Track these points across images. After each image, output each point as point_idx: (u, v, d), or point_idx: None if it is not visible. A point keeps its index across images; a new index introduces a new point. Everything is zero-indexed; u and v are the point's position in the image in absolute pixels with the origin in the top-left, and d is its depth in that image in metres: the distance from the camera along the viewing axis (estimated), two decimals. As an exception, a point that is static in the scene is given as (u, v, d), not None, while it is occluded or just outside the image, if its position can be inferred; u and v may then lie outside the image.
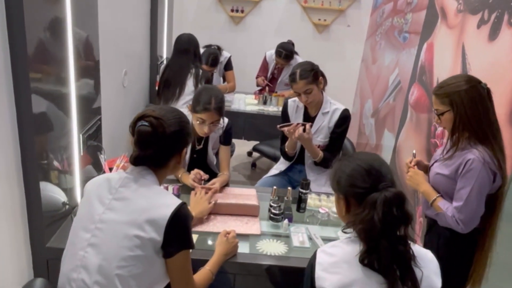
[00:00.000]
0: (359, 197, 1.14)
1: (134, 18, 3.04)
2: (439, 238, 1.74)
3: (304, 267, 1.25)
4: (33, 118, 1.47)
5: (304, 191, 2.02)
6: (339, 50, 5.11)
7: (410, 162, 1.86)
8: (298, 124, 2.19)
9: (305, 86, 2.21)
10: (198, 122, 2.02)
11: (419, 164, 1.88)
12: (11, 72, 1.39)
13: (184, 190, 2.07)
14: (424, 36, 2.76)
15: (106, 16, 2.22)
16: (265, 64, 4.08)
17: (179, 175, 2.14)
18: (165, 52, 3.96)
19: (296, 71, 2.23)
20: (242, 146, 4.21)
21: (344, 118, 2.34)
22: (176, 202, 1.24)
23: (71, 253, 1.26)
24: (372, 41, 4.11)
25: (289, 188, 2.02)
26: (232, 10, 4.98)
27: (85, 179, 1.40)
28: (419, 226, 2.49)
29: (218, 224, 1.87)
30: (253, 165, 4.25)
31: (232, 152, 3.39)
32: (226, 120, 2.22)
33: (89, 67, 1.96)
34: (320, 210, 1.99)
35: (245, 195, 2.06)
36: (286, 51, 3.77)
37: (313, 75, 2.22)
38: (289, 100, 2.46)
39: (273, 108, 3.68)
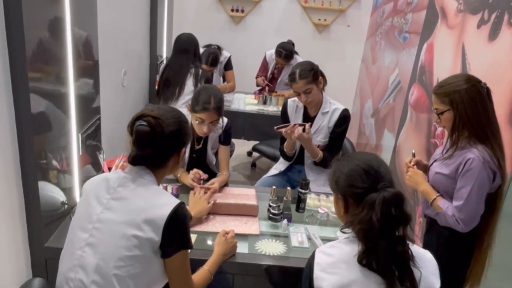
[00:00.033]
0: (358, 197, 1.13)
1: (134, 17, 3.03)
2: (439, 237, 1.73)
3: (303, 267, 1.24)
4: (32, 117, 1.47)
5: (303, 191, 2.02)
6: (339, 50, 5.11)
7: (410, 162, 1.87)
8: (295, 125, 2.19)
9: (304, 85, 2.21)
10: (197, 121, 2.02)
11: (418, 164, 1.88)
12: (10, 71, 1.39)
13: (183, 190, 2.07)
14: (424, 36, 2.76)
15: (106, 15, 2.22)
16: (265, 64, 4.08)
17: (178, 175, 2.14)
18: (164, 51, 3.96)
19: (296, 70, 2.23)
20: (242, 146, 4.21)
21: (344, 118, 2.34)
22: (174, 202, 1.24)
23: (69, 253, 1.26)
24: (372, 41, 4.11)
25: (288, 188, 2.01)
26: (232, 10, 4.98)
27: (84, 179, 1.40)
28: (418, 227, 2.48)
29: (217, 224, 1.87)
30: (253, 165, 4.25)
31: (231, 152, 3.39)
32: (225, 119, 2.22)
33: (88, 67, 1.96)
34: (319, 210, 1.99)
35: (244, 195, 2.06)
36: (286, 51, 3.77)
37: (313, 74, 2.22)
38: (289, 100, 2.46)
39: (273, 108, 3.68)
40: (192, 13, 4.98)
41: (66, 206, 1.79)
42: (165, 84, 3.11)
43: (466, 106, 1.57)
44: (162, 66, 3.31)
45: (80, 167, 1.88)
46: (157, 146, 1.26)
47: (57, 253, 1.33)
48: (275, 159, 3.13)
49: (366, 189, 1.12)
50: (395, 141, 3.09)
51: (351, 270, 1.11)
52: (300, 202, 2.04)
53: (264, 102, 3.76)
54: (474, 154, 1.56)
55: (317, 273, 1.15)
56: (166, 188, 2.04)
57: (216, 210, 1.93)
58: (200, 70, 3.14)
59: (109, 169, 1.93)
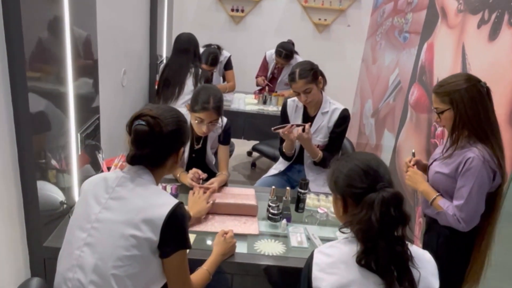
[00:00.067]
0: (357, 197, 1.13)
1: (134, 17, 3.03)
2: (439, 237, 1.73)
3: (302, 268, 1.24)
4: (31, 117, 1.46)
5: (302, 191, 2.01)
6: (339, 50, 5.10)
7: (409, 162, 1.87)
8: (292, 125, 2.18)
9: (304, 85, 2.21)
10: (196, 121, 2.02)
11: (418, 164, 1.88)
12: (8, 70, 1.39)
13: (182, 189, 2.07)
14: (424, 36, 2.75)
15: (105, 14, 2.22)
16: (265, 64, 4.08)
17: (178, 175, 2.14)
18: (164, 51, 3.96)
19: (296, 70, 2.22)
20: (242, 146, 4.21)
21: (344, 118, 2.33)
22: (173, 201, 1.24)
23: (67, 253, 1.26)
24: (372, 41, 4.10)
25: (287, 188, 2.01)
26: (232, 10, 4.98)
27: (83, 178, 1.40)
28: (418, 227, 2.48)
29: (216, 224, 1.86)
30: (253, 164, 4.24)
31: (231, 151, 3.39)
32: (224, 119, 2.21)
33: (88, 66, 1.96)
34: (319, 210, 1.99)
35: (243, 195, 2.06)
36: (286, 51, 3.77)
37: (313, 74, 2.22)
38: (289, 100, 2.46)
39: (273, 108, 3.68)
40: (192, 12, 4.97)
41: (65, 205, 1.79)
42: (164, 83, 3.11)
43: (466, 105, 1.58)
44: (162, 66, 3.30)
45: (79, 167, 1.87)
46: (156, 146, 1.26)
47: (55, 252, 1.33)
48: (275, 159, 3.13)
49: (365, 189, 1.12)
50: (395, 141, 3.09)
51: (350, 270, 1.11)
52: (299, 202, 2.03)
53: (264, 102, 3.75)
54: (474, 153, 1.56)
55: (315, 273, 1.15)
56: (165, 188, 2.04)
57: (215, 210, 1.93)
58: (200, 70, 3.14)
59: (108, 168, 1.93)
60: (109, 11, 2.33)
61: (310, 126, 2.25)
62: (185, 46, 3.16)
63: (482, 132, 1.58)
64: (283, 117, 2.43)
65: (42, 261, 1.65)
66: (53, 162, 1.68)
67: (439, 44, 2.54)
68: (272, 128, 2.21)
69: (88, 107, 1.99)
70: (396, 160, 3.07)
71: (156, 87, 3.28)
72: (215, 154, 2.34)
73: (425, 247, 1.83)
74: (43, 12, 1.52)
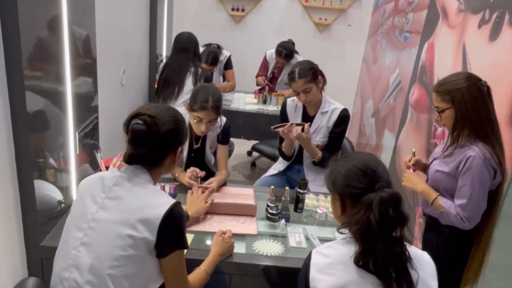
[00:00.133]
0: (355, 198, 1.12)
1: (133, 15, 3.02)
2: (439, 236, 1.73)
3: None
4: (28, 116, 1.46)
5: (301, 191, 2.01)
6: (340, 50, 5.09)
7: (409, 161, 1.87)
8: (292, 124, 2.17)
9: (304, 85, 2.20)
10: (195, 120, 2.01)
11: (417, 163, 1.89)
12: (5, 69, 1.38)
13: (181, 189, 2.06)
14: (425, 36, 2.74)
15: (104, 13, 2.21)
16: (265, 63, 4.07)
17: (176, 174, 2.13)
18: (164, 50, 3.95)
19: (295, 70, 2.21)
20: (242, 146, 4.20)
21: (343, 118, 2.32)
22: (170, 201, 1.23)
23: (64, 252, 1.25)
24: (373, 41, 4.09)
25: (286, 188, 2.00)
26: (233, 9, 4.97)
27: (82, 178, 1.39)
28: (418, 227, 2.47)
29: (215, 224, 1.86)
30: (253, 164, 4.24)
31: (231, 151, 3.38)
32: (224, 119, 2.20)
33: (86, 65, 1.95)
34: (318, 210, 1.98)
35: (242, 194, 2.05)
36: (286, 51, 3.76)
37: (312, 74, 2.21)
38: (288, 100, 2.45)
39: (273, 108, 3.67)
40: (192, 12, 4.97)
41: (63, 205, 1.79)
42: (164, 83, 3.10)
43: (467, 104, 1.58)
44: (162, 65, 3.30)
45: (77, 166, 1.87)
46: (153, 145, 1.25)
47: (53, 252, 1.32)
48: (274, 159, 3.12)
49: (363, 189, 1.11)
50: (395, 141, 3.08)
51: (348, 271, 1.10)
52: (298, 202, 2.02)
53: (264, 102, 3.75)
54: (475, 152, 1.56)
55: (313, 274, 1.14)
56: (163, 188, 2.03)
57: (213, 210, 1.92)
58: (200, 69, 3.13)
59: (107, 168, 1.92)
60: (108, 10, 2.32)
61: (310, 126, 2.24)
62: (185, 45, 3.15)
63: (483, 130, 1.59)
64: (283, 117, 2.42)
65: (40, 260, 1.64)
66: (51, 161, 1.67)
67: (439, 44, 2.53)
68: (272, 127, 2.20)
69: (87, 106, 1.99)
70: (396, 160, 3.06)
71: (156, 86, 3.27)
72: (214, 153, 2.33)
73: (424, 246, 1.83)
74: (41, 11, 1.52)
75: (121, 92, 2.78)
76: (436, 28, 2.59)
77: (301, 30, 4.97)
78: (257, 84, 4.11)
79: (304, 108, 2.38)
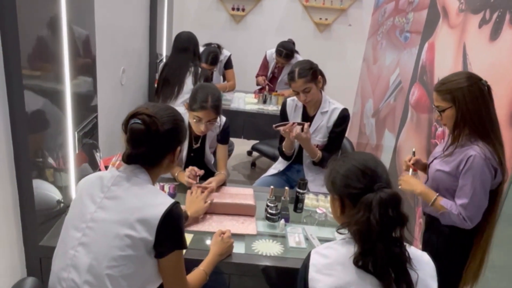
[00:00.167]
0: (354, 198, 1.12)
1: (133, 15, 3.02)
2: (439, 236, 1.73)
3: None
4: (27, 115, 1.45)
5: (301, 191, 2.00)
6: (340, 50, 5.09)
7: (409, 160, 1.86)
8: (293, 123, 2.17)
9: (303, 84, 2.19)
10: (194, 120, 2.00)
11: (417, 162, 1.88)
12: (4, 68, 1.37)
13: (180, 189, 2.06)
14: (426, 36, 2.74)
15: (104, 12, 2.21)
16: (265, 63, 4.06)
17: (176, 174, 2.12)
18: (164, 50, 3.95)
19: (295, 69, 2.21)
20: (242, 145, 4.19)
21: (343, 118, 2.32)
22: (169, 201, 1.22)
23: (62, 252, 1.24)
24: (373, 41, 4.08)
25: (286, 188, 1.99)
26: (233, 9, 4.96)
27: (81, 177, 1.38)
28: (418, 227, 2.46)
29: (214, 224, 1.85)
30: (253, 164, 4.23)
31: (230, 151, 3.37)
32: (223, 118, 2.20)
33: (86, 65, 1.95)
34: (318, 211, 1.97)
35: (241, 194, 2.04)
36: (286, 50, 3.76)
37: (312, 73, 2.20)
38: (288, 99, 2.44)
39: (273, 107, 3.66)
40: (192, 11, 4.96)
41: (62, 204, 1.78)
42: (164, 82, 3.10)
43: (468, 104, 1.58)
44: (162, 65, 3.29)
45: (76, 166, 1.86)
46: (152, 145, 1.25)
47: (52, 252, 1.32)
48: (274, 159, 3.11)
49: (362, 189, 1.11)
50: (396, 141, 3.07)
51: (347, 272, 1.10)
52: (298, 202, 2.02)
53: (264, 101, 3.74)
54: (476, 151, 1.56)
55: (312, 274, 1.13)
56: (163, 187, 2.03)
57: (213, 210, 1.92)
58: (200, 69, 3.13)
59: (106, 167, 1.92)
60: (108, 9, 2.32)
61: (310, 125, 2.24)
62: (185, 45, 3.15)
63: (483, 130, 1.59)
64: (283, 117, 2.42)
65: (38, 260, 1.64)
66: (50, 160, 1.66)
67: (440, 43, 2.52)
68: (274, 126, 2.19)
69: (86, 106, 1.98)
70: (396, 161, 3.05)
71: (156, 86, 3.27)
72: (214, 153, 2.33)
73: (424, 246, 1.83)
74: (40, 10, 1.51)
75: (120, 92, 2.78)
76: (436, 28, 2.58)
77: (301, 30, 4.96)
78: (257, 84, 4.10)
79: (304, 108, 2.38)
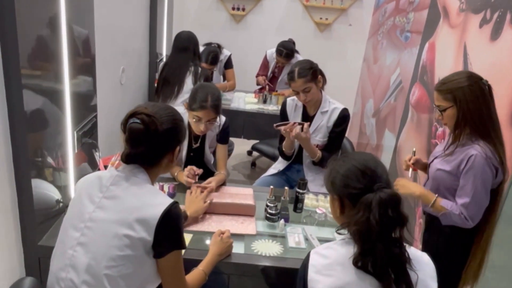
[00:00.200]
0: (354, 198, 1.11)
1: (133, 14, 3.01)
2: (439, 235, 1.73)
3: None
4: (26, 115, 1.45)
5: (301, 191, 2.00)
6: (340, 49, 5.08)
7: (409, 160, 1.86)
8: (294, 123, 2.16)
9: (303, 84, 2.19)
10: (194, 120, 2.00)
11: (417, 162, 1.88)
12: (2, 68, 1.37)
13: (180, 188, 2.05)
14: (426, 36, 2.73)
15: (103, 12, 2.20)
16: (265, 63, 4.06)
17: (175, 174, 2.12)
18: (164, 49, 3.94)
19: (295, 69, 2.21)
20: (242, 145, 4.19)
21: (343, 118, 2.31)
22: (168, 201, 1.22)
23: (60, 252, 1.24)
24: (374, 41, 4.08)
25: (285, 187, 1.99)
26: (233, 8, 4.96)
27: (80, 177, 1.38)
28: (418, 228, 2.46)
29: (213, 224, 1.85)
30: (253, 164, 4.23)
31: (230, 151, 3.37)
32: (223, 118, 2.19)
33: (85, 64, 1.94)
34: (317, 211, 1.97)
35: (241, 194, 2.04)
36: (286, 50, 3.75)
37: (312, 73, 2.20)
38: (288, 99, 2.44)
39: (273, 107, 3.66)
40: (192, 11, 4.96)
41: (61, 204, 1.78)
42: (164, 82, 3.09)
43: (469, 103, 1.58)
44: (161, 64, 3.29)
45: (75, 165, 1.86)
46: (151, 145, 1.24)
47: (51, 251, 1.31)
48: (274, 159, 3.11)
49: (362, 189, 1.10)
50: (396, 141, 3.07)
51: (346, 272, 1.09)
52: (298, 202, 2.01)
53: (264, 101, 3.74)
54: (477, 150, 1.56)
55: (311, 275, 1.13)
56: (162, 187, 2.02)
57: (212, 210, 1.91)
58: (200, 69, 3.12)
59: (105, 167, 1.92)
60: (107, 9, 2.31)
61: (310, 125, 2.23)
62: (185, 44, 3.14)
63: (484, 129, 1.59)
64: (283, 116, 2.41)
65: (37, 260, 1.64)
66: (49, 160, 1.66)
67: (440, 43, 2.52)
68: (274, 125, 2.19)
69: (85, 105, 1.98)
70: (396, 161, 3.04)
71: (156, 85, 3.26)
72: (214, 153, 2.32)
73: (424, 245, 1.82)
74: (39, 9, 1.51)
75: (120, 91, 2.77)
76: (437, 27, 2.58)
77: (301, 29, 4.96)
78: (257, 84, 4.10)
79: (304, 107, 2.37)
